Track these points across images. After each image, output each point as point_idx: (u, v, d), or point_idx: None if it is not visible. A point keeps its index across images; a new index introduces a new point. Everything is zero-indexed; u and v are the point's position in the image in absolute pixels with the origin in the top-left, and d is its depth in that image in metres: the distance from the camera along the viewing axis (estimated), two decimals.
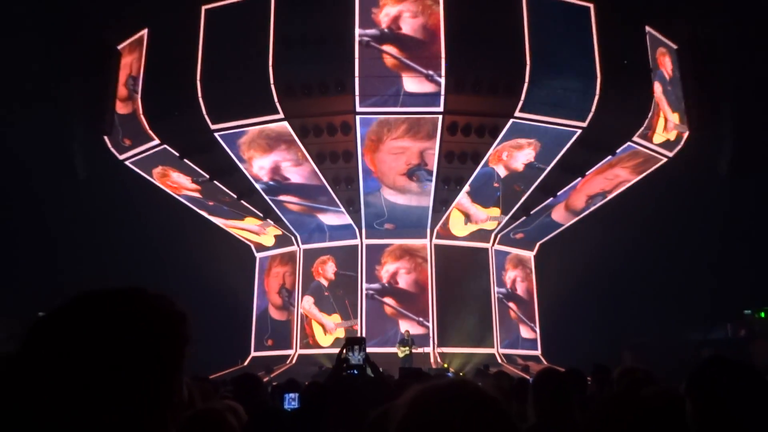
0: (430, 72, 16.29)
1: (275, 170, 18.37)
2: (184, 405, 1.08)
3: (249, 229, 21.65)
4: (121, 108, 19.27)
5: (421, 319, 18.90)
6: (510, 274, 21.42)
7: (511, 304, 21.08)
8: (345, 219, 19.40)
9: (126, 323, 1.01)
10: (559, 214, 21.19)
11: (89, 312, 1.01)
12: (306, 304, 20.03)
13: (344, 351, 3.04)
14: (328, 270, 20.11)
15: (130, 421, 0.98)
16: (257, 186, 18.85)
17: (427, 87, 16.43)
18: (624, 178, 20.50)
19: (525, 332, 21.19)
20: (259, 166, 18.36)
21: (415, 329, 17.93)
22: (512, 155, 17.99)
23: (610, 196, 21.02)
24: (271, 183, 18.79)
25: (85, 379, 0.95)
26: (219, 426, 1.96)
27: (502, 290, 20.88)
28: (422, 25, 16.63)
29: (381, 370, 3.57)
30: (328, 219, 19.81)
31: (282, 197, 19.26)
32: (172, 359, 1.04)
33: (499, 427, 1.19)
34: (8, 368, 1.11)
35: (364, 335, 18.19)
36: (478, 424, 1.17)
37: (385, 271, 19.49)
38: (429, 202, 18.56)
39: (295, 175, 18.38)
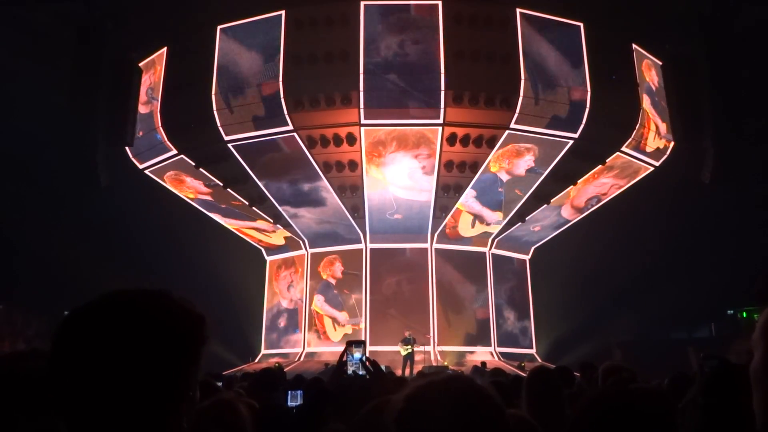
0: (437, 101, 16.32)
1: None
2: (197, 400, 1.10)
3: (261, 229, 21.66)
4: (140, 108, 19.42)
5: (426, 327, 18.82)
6: (509, 283, 21.35)
7: (511, 313, 21.00)
8: (354, 231, 19.45)
9: (150, 322, 1.03)
10: (566, 211, 21.13)
11: (116, 310, 1.03)
12: (317, 302, 20.03)
13: (345, 354, 3.03)
14: (336, 270, 20.12)
15: (150, 413, 1.00)
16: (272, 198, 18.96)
17: (427, 113, 16.49)
18: (613, 184, 20.49)
19: (521, 338, 21.09)
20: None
21: (418, 337, 17.81)
22: (513, 162, 17.98)
23: (606, 199, 20.97)
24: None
25: (111, 373, 0.98)
26: (231, 414, 1.95)
27: (501, 300, 20.79)
28: (423, 49, 16.66)
29: (383, 368, 3.56)
30: (339, 230, 19.91)
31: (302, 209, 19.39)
32: (190, 357, 1.06)
33: (492, 418, 1.19)
34: (42, 362, 1.13)
35: (367, 335, 18.19)
36: (472, 416, 1.16)
37: (388, 282, 19.45)
38: (431, 195, 18.41)
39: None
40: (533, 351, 21.06)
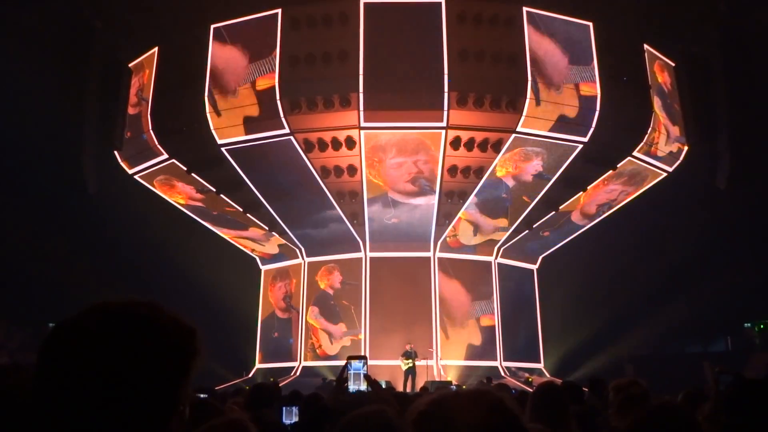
0: (441, 102, 16.37)
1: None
2: (186, 418, 1.10)
3: (253, 238, 21.65)
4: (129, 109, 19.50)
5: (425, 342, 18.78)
6: (515, 292, 21.32)
7: (516, 321, 20.94)
8: (353, 239, 19.49)
9: (139, 334, 1.03)
10: (576, 217, 21.10)
11: (104, 322, 1.04)
12: (312, 314, 19.98)
13: (345, 370, 3.03)
14: (334, 279, 20.08)
15: (137, 428, 1.00)
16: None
17: (430, 115, 16.55)
18: (622, 190, 20.48)
19: (528, 352, 21.03)
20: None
21: (419, 350, 17.73)
22: (520, 167, 17.99)
23: (617, 206, 20.91)
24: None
25: (97, 387, 0.98)
26: None
27: (508, 308, 20.75)
28: (426, 50, 16.72)
29: (384, 383, 3.55)
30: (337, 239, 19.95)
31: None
32: (180, 371, 1.07)
33: (511, 430, 1.19)
34: (23, 377, 1.13)
35: (367, 348, 18.14)
36: (495, 429, 1.16)
37: (387, 294, 19.42)
38: (433, 201, 18.39)
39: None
40: (541, 365, 20.98)
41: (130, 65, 19.64)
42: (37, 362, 1.03)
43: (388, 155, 17.31)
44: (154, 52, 19.04)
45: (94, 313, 1.06)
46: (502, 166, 17.88)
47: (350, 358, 3.09)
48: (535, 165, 18.03)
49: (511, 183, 18.45)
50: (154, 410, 1.02)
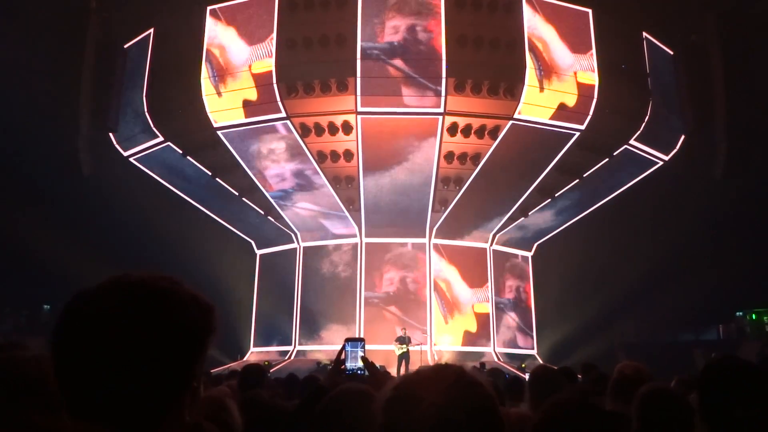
0: (438, 88, 16.29)
1: (298, 174, 18.42)
2: (201, 394, 1.11)
3: (250, 222, 21.59)
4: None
5: (424, 327, 18.84)
6: (511, 283, 21.41)
7: (512, 314, 21.06)
8: (350, 225, 19.43)
9: (158, 307, 1.03)
10: None
11: (123, 294, 1.04)
12: (310, 298, 20.00)
13: (342, 352, 3.04)
14: (331, 263, 20.08)
15: (154, 403, 1.01)
16: (270, 195, 18.91)
17: (428, 101, 16.47)
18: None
19: (522, 339, 21.17)
20: (277, 174, 18.40)
21: (414, 335, 17.78)
22: (521, 153, 17.88)
23: (611, 195, 20.83)
24: (290, 190, 18.85)
25: (115, 358, 0.98)
26: (221, 411, 1.96)
27: (504, 300, 20.85)
28: (429, 39, 16.62)
29: (379, 367, 3.58)
30: (333, 225, 19.89)
31: (299, 204, 19.33)
32: (196, 346, 1.07)
33: (484, 407, 1.18)
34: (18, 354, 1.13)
35: (361, 333, 18.21)
36: (461, 403, 1.16)
37: (388, 279, 19.45)
38: (429, 187, 18.30)
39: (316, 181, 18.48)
40: (534, 352, 21.14)
41: (125, 46, 19.48)
42: (56, 333, 1.02)
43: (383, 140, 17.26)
44: (150, 33, 18.86)
45: (113, 285, 1.05)
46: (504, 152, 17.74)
47: (348, 339, 3.10)
48: (535, 152, 17.97)
49: (509, 169, 18.36)
50: (169, 385, 1.02)
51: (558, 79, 17.08)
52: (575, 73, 17.31)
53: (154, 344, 1.00)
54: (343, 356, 2.99)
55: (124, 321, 1.00)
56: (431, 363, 17.09)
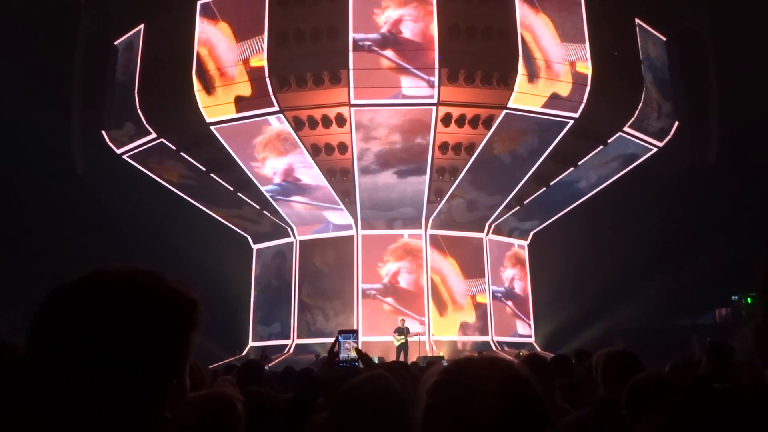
0: (432, 78, 16.23)
1: (288, 172, 18.34)
2: (185, 389, 1.08)
3: (246, 217, 21.59)
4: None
5: (422, 318, 18.88)
6: (508, 273, 21.45)
7: (510, 303, 21.12)
8: (346, 217, 19.41)
9: (137, 302, 1.01)
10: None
11: (102, 289, 1.02)
12: (306, 292, 20.02)
13: (336, 344, 3.05)
14: (328, 256, 20.10)
15: (132, 400, 0.99)
16: (264, 190, 18.87)
17: (423, 91, 16.42)
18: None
19: (521, 327, 21.24)
20: (271, 168, 18.33)
21: (412, 326, 17.82)
22: (518, 143, 17.92)
23: (606, 182, 20.86)
24: (285, 184, 18.81)
25: (94, 355, 0.97)
26: (229, 411, 1.94)
27: (501, 289, 20.90)
28: (422, 29, 16.55)
29: (376, 360, 3.60)
30: (331, 217, 19.88)
31: (293, 197, 19.29)
32: (175, 342, 1.04)
33: (532, 409, 1.22)
34: (14, 355, 1.12)
35: (360, 325, 18.26)
36: (512, 401, 1.19)
37: (386, 271, 19.46)
38: (425, 178, 18.29)
39: (307, 176, 18.39)
40: (532, 340, 21.24)
41: (115, 43, 19.35)
42: (33, 328, 1.01)
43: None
44: (140, 29, 18.74)
45: (91, 280, 1.04)
46: (501, 142, 17.76)
47: (341, 331, 3.11)
48: (531, 141, 17.99)
49: (508, 160, 18.40)
50: (147, 381, 1.00)
51: (551, 68, 17.05)
52: (570, 62, 17.29)
53: (129, 340, 0.98)
54: (336, 348, 3.00)
55: (98, 317, 0.98)
56: (429, 353, 17.19)
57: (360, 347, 3.09)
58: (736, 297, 23.98)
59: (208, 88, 17.09)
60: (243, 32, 17.00)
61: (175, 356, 1.04)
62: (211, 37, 17.34)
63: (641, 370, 2.92)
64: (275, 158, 18.13)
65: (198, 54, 17.23)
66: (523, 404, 1.20)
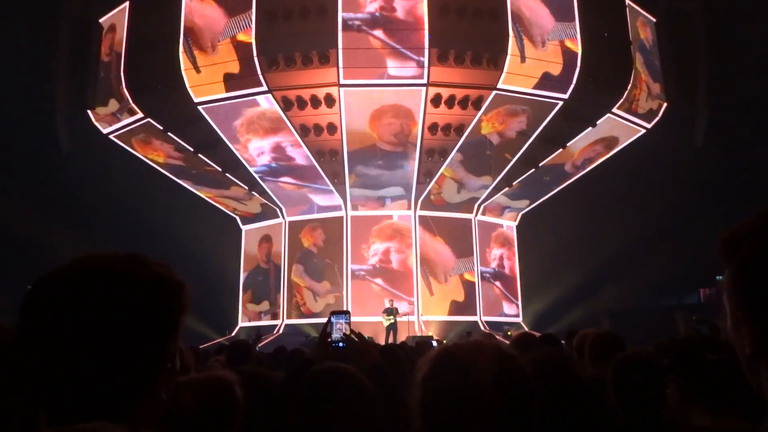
0: (421, 58, 16.12)
1: (277, 149, 18.21)
2: (176, 372, 1.10)
3: (235, 197, 21.51)
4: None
5: (411, 298, 19.00)
6: (495, 252, 21.57)
7: (497, 283, 21.28)
8: (335, 199, 19.39)
9: (124, 288, 1.02)
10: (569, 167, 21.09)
11: (88, 275, 1.02)
12: (297, 271, 20.06)
13: (328, 325, 3.07)
14: (317, 237, 20.11)
15: (124, 386, 1.00)
16: (253, 171, 18.76)
17: (411, 71, 16.32)
18: (600, 151, 20.59)
19: (508, 307, 21.44)
20: (257, 148, 18.20)
21: (401, 306, 17.92)
22: (507, 123, 17.92)
23: (601, 159, 20.91)
24: (273, 165, 18.69)
25: (82, 343, 0.97)
26: (229, 394, 1.95)
27: (488, 270, 21.03)
28: (411, 9, 16.40)
29: (367, 338, 3.63)
30: (319, 199, 19.84)
31: (282, 178, 19.21)
32: (166, 325, 1.05)
33: (516, 378, 1.28)
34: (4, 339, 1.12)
35: (349, 305, 18.35)
36: (503, 381, 1.25)
37: (374, 251, 19.50)
38: (414, 159, 18.28)
39: (296, 156, 18.30)
40: (520, 320, 21.46)
41: (100, 20, 19.03)
42: (19, 318, 1.01)
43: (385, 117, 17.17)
44: (125, 7, 18.42)
45: (77, 266, 1.04)
46: (488, 122, 17.77)
47: (333, 312, 3.13)
48: (521, 121, 17.98)
49: (496, 140, 18.41)
50: (141, 367, 1.01)
51: (543, 48, 17.00)
52: (560, 42, 17.24)
53: (115, 327, 0.98)
54: (329, 329, 3.02)
55: (82, 305, 0.98)
56: (418, 333, 17.33)
57: (351, 327, 3.12)
58: (720, 277, 24.26)
59: (196, 66, 16.89)
60: (231, 9, 16.77)
61: (165, 340, 1.05)
62: (198, 13, 17.08)
63: (623, 349, 2.98)
64: (262, 138, 18.02)
65: (185, 30, 16.98)
66: (513, 379, 1.26)
